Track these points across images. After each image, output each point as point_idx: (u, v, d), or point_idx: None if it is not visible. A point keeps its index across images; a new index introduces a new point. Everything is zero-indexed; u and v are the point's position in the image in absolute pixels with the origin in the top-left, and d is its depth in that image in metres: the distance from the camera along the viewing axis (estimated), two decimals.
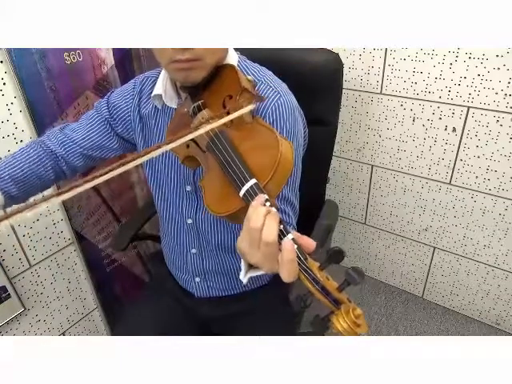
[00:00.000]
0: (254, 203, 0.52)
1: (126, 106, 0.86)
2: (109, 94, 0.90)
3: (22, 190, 0.79)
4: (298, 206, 0.80)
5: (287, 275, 0.50)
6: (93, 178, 0.51)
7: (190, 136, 0.59)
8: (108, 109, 0.87)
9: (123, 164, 0.53)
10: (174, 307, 0.95)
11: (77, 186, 0.50)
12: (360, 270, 0.49)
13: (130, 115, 0.86)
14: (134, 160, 0.54)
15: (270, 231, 0.50)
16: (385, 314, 1.67)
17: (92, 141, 0.87)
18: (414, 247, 1.65)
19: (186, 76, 0.70)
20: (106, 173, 0.52)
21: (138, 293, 1.05)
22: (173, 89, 0.80)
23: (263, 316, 0.90)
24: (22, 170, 0.79)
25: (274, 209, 0.52)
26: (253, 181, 0.55)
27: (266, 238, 0.50)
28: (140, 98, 0.86)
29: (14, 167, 0.79)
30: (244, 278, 0.60)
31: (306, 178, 0.82)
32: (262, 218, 0.50)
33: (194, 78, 0.71)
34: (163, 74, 0.80)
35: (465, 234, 1.49)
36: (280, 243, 0.51)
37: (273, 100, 0.74)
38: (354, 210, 1.75)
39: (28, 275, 1.17)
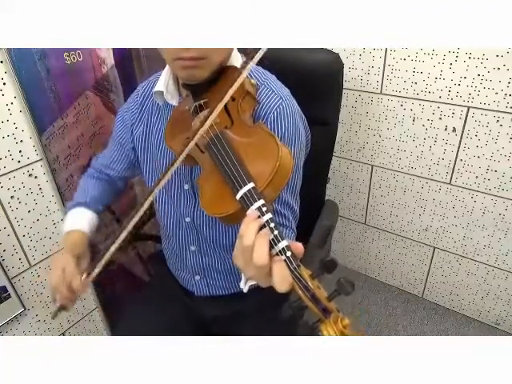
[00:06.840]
0: (246, 219, 0.53)
1: (132, 113, 0.88)
2: (118, 112, 0.92)
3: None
4: (298, 210, 0.80)
5: (280, 286, 0.51)
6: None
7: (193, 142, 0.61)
8: (128, 134, 0.89)
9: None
10: (174, 307, 0.96)
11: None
12: (351, 280, 0.48)
13: (135, 118, 0.88)
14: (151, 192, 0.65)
15: (261, 253, 0.50)
16: (385, 314, 1.67)
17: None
18: (414, 247, 1.65)
19: (190, 74, 0.70)
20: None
21: (137, 293, 1.04)
22: (175, 86, 0.81)
23: (263, 315, 0.90)
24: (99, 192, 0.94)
25: (265, 229, 0.52)
26: (250, 185, 0.55)
27: (256, 260, 0.50)
28: (143, 98, 0.87)
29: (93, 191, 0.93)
30: (244, 286, 0.62)
31: (306, 178, 0.82)
32: (253, 237, 0.51)
33: (198, 77, 0.71)
34: (166, 71, 0.81)
35: (465, 234, 1.49)
36: (271, 256, 0.51)
37: (275, 104, 0.74)
38: (353, 210, 1.75)
39: (28, 275, 1.17)
